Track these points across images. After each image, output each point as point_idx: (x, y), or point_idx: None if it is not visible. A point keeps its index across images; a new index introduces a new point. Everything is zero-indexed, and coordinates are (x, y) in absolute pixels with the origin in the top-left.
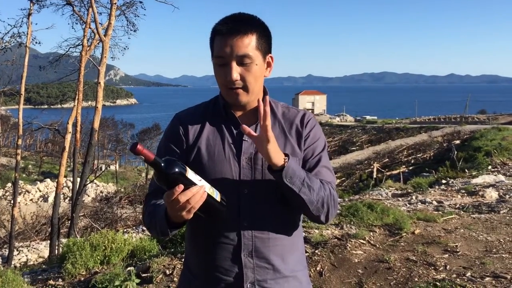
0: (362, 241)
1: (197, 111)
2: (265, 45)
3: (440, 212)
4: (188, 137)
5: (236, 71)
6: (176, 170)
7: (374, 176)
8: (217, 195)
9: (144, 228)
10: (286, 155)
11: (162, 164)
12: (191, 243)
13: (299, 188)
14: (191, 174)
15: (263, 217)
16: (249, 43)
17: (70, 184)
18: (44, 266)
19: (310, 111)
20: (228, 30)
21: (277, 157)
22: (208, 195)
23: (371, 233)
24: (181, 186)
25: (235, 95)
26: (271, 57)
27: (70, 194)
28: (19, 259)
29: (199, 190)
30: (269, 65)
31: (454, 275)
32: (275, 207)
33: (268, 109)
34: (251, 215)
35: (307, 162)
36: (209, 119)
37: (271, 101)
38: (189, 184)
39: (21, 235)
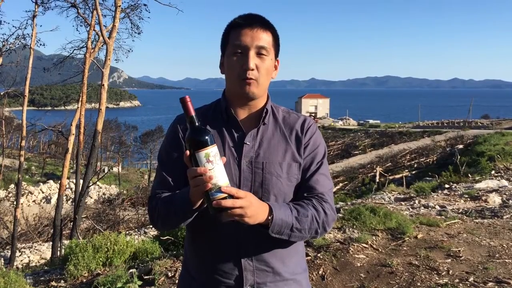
0: (364, 245)
1: (198, 113)
2: (276, 47)
3: (443, 217)
4: None
5: (253, 60)
6: (193, 140)
7: (377, 180)
8: (219, 194)
9: (147, 230)
10: (270, 209)
11: (194, 126)
12: (191, 246)
13: (289, 235)
14: (201, 156)
15: None
16: (267, 38)
17: (73, 186)
18: (46, 268)
19: (313, 114)
20: (249, 23)
21: (260, 218)
22: (206, 192)
23: (374, 237)
24: (187, 153)
25: (247, 85)
26: (277, 61)
27: (72, 196)
28: (21, 260)
29: (195, 174)
30: (275, 68)
31: (457, 280)
32: None
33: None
34: None
35: (306, 170)
36: (210, 122)
37: (272, 106)
38: (194, 161)
39: (23, 236)
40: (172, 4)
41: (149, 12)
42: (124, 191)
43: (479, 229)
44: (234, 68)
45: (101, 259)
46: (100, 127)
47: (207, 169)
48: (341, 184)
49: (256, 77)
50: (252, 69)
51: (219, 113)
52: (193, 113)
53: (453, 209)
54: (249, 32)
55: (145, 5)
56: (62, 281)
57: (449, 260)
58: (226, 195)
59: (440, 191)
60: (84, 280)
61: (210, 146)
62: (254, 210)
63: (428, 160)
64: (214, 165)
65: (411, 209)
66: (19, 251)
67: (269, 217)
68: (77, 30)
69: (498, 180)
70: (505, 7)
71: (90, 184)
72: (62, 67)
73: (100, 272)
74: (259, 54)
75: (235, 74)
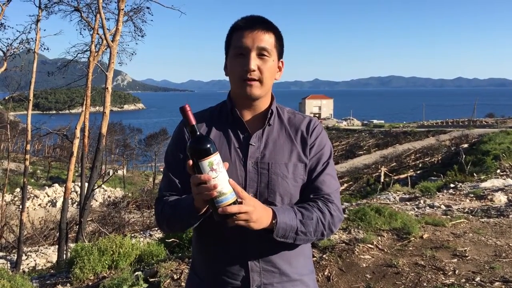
0: (370, 245)
1: (203, 115)
2: (280, 49)
3: (448, 217)
4: None
5: (254, 62)
6: (195, 149)
7: (382, 180)
8: (224, 201)
9: (152, 233)
10: (273, 214)
11: (196, 135)
12: (198, 247)
13: (294, 238)
14: (204, 165)
15: None
16: (269, 39)
17: (78, 189)
18: (52, 271)
19: (317, 115)
20: (250, 25)
21: (264, 222)
22: (211, 200)
23: (379, 238)
24: (190, 162)
25: (249, 87)
26: (282, 62)
27: (78, 199)
28: (28, 264)
29: (198, 182)
30: (279, 69)
31: (463, 280)
32: None
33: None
34: None
35: (312, 171)
36: (215, 123)
37: (277, 106)
38: (197, 169)
39: (29, 240)
40: (175, 7)
41: (152, 15)
42: (129, 194)
43: (485, 229)
44: (236, 69)
45: (106, 262)
46: (104, 130)
47: (211, 177)
48: (345, 185)
49: (258, 78)
50: (253, 70)
51: (224, 114)
52: (193, 122)
53: (459, 208)
54: (250, 34)
55: (148, 8)
56: (68, 284)
57: (455, 260)
58: (231, 202)
59: (445, 191)
60: (90, 283)
61: (213, 154)
62: (259, 214)
63: (433, 160)
64: (218, 173)
65: (416, 209)
66: (25, 255)
67: (273, 222)
68: (80, 34)
69: (504, 179)
70: (510, 6)
71: (95, 187)
72: (66, 71)
73: (105, 275)
74: (260, 56)
75: (237, 76)
